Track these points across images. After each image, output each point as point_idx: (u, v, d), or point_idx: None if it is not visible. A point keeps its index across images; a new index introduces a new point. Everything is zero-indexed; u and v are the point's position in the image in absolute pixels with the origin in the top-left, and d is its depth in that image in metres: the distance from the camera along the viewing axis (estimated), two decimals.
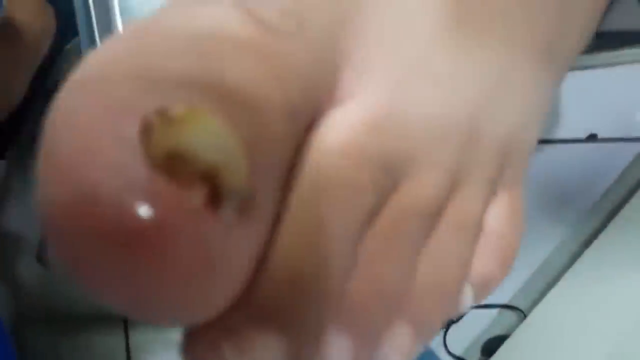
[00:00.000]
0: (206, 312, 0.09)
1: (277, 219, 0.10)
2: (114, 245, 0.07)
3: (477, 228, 0.13)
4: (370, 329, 0.11)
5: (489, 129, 0.13)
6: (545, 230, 0.66)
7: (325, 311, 0.10)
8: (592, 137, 0.63)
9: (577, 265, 0.62)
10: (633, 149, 0.66)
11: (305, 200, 0.10)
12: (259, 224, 0.09)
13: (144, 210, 0.07)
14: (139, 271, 0.07)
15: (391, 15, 0.12)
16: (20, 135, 0.45)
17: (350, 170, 0.11)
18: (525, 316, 0.65)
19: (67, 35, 0.42)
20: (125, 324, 0.55)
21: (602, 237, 0.62)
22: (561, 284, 0.63)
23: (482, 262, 0.14)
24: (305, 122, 0.11)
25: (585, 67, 0.39)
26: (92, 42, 0.31)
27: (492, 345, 0.66)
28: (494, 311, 0.68)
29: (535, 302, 0.64)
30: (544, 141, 0.60)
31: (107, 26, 0.31)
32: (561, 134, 0.62)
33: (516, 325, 0.65)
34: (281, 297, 0.10)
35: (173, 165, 0.07)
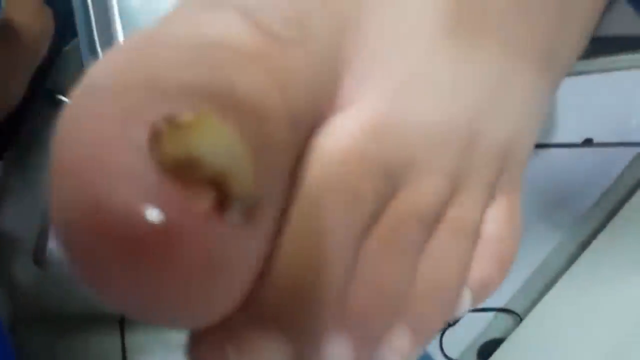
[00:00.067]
0: (213, 313, 0.09)
1: (280, 224, 0.10)
2: (126, 249, 0.07)
3: (476, 232, 0.13)
4: (370, 332, 0.11)
5: (488, 134, 0.13)
6: (542, 233, 0.67)
7: (327, 314, 0.11)
8: (588, 142, 0.63)
9: (574, 269, 0.63)
10: (629, 153, 0.66)
11: (306, 206, 0.10)
12: (263, 228, 0.09)
13: (155, 215, 0.07)
14: (151, 274, 0.07)
15: (391, 23, 0.12)
16: (18, 136, 0.45)
17: (351, 177, 0.11)
18: (521, 320, 0.65)
19: (66, 37, 0.42)
20: (121, 325, 0.55)
21: (598, 240, 0.62)
22: (557, 287, 0.63)
23: (481, 266, 0.14)
24: (308, 129, 0.11)
25: (582, 73, 0.39)
26: (91, 44, 0.31)
27: (488, 348, 0.66)
28: (490, 314, 0.68)
29: (531, 306, 0.64)
30: (540, 145, 0.60)
31: (106, 28, 0.31)
32: (557, 138, 0.62)
33: (512, 329, 0.65)
34: (283, 301, 0.10)
35: (182, 170, 0.07)
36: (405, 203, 0.12)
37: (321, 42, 0.11)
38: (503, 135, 0.14)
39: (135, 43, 0.09)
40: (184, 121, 0.08)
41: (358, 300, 0.11)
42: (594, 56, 0.38)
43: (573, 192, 0.66)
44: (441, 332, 0.62)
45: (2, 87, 0.37)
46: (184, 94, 0.08)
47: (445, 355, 0.64)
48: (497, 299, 0.67)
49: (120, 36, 0.31)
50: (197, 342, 0.10)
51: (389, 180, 0.12)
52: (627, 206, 0.63)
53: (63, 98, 0.42)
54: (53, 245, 0.52)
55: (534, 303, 0.64)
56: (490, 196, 0.14)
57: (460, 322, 0.62)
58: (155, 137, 0.07)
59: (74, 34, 0.33)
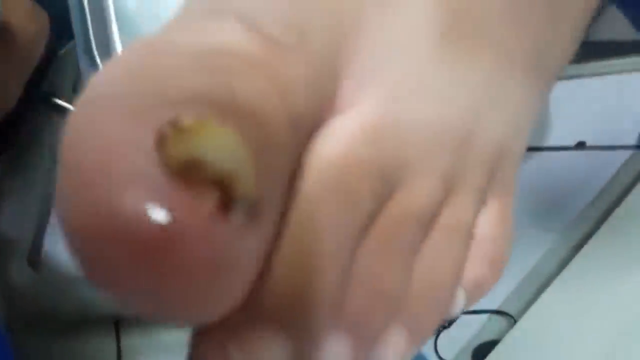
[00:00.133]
0: (217, 310, 0.09)
1: (280, 225, 0.10)
2: (136, 250, 0.07)
3: (469, 233, 0.14)
4: (368, 331, 0.12)
5: (481, 136, 0.14)
6: (535, 236, 0.67)
7: (324, 313, 0.11)
8: (580, 145, 0.64)
9: (567, 271, 0.63)
10: (621, 156, 0.67)
11: (305, 207, 0.10)
12: (265, 227, 0.09)
13: (163, 215, 0.07)
14: (161, 272, 0.08)
15: (388, 29, 0.12)
16: (14, 138, 0.45)
17: (349, 179, 0.11)
18: (515, 321, 0.65)
19: (62, 40, 0.42)
20: (117, 327, 0.54)
21: (591, 242, 0.63)
22: (551, 289, 0.63)
23: (474, 266, 0.14)
24: (307, 131, 0.11)
25: (575, 77, 0.40)
26: (87, 46, 0.31)
27: (482, 350, 0.66)
28: (485, 317, 0.68)
29: (525, 308, 0.64)
30: (533, 148, 0.61)
31: (102, 30, 0.31)
32: (550, 141, 0.62)
33: (506, 331, 0.65)
34: (281, 300, 0.10)
35: (187, 172, 0.08)
36: (401, 204, 0.12)
37: (320, 47, 0.11)
38: (496, 137, 0.14)
39: (138, 51, 0.09)
40: (187, 126, 0.08)
41: (355, 299, 0.11)
42: (586, 60, 0.39)
43: (566, 194, 0.67)
44: (436, 334, 0.62)
45: None
46: (186, 99, 0.08)
47: (440, 357, 0.64)
48: (491, 301, 0.68)
49: (116, 39, 0.31)
50: (199, 342, 0.10)
51: (386, 181, 0.12)
52: (620, 208, 0.63)
53: (59, 101, 0.42)
54: (48, 247, 0.52)
55: (528, 305, 0.64)
56: (483, 198, 0.14)
57: (455, 324, 0.63)
58: (161, 141, 0.08)
59: (70, 37, 0.33)
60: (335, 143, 0.11)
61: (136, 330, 0.55)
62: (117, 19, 0.31)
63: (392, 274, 0.12)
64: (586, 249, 0.63)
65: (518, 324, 0.65)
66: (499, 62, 0.14)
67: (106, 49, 0.31)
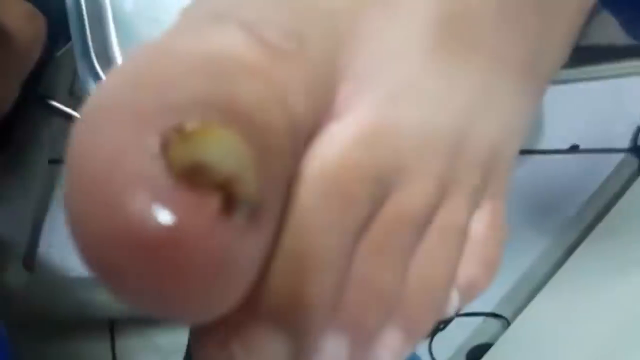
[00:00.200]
0: (218, 308, 0.09)
1: (280, 226, 0.10)
2: (142, 250, 0.08)
3: (463, 235, 0.14)
4: (364, 331, 0.12)
5: (475, 140, 0.14)
6: (529, 239, 0.67)
7: (322, 313, 0.11)
8: (574, 148, 0.64)
9: (560, 274, 0.63)
10: (614, 159, 0.67)
11: (304, 209, 0.11)
12: (265, 229, 0.10)
13: (169, 217, 0.08)
14: (166, 273, 0.08)
15: (384, 35, 0.13)
16: (10, 140, 0.45)
17: (346, 182, 0.11)
18: (509, 324, 0.66)
19: (58, 42, 0.42)
20: (112, 330, 0.54)
21: (584, 245, 0.63)
22: (544, 292, 0.63)
23: (467, 268, 0.14)
24: (306, 135, 0.11)
25: (568, 81, 0.40)
26: (84, 49, 0.31)
27: (476, 352, 0.67)
28: (479, 319, 0.68)
29: (519, 310, 0.65)
30: (527, 152, 0.61)
31: (100, 32, 0.31)
32: (544, 144, 0.63)
33: (500, 333, 0.65)
34: (280, 300, 0.10)
35: (191, 175, 0.08)
36: (397, 207, 0.12)
37: (319, 53, 0.11)
38: (490, 141, 0.14)
39: (141, 57, 0.10)
40: (191, 130, 0.08)
41: (352, 299, 0.12)
42: (579, 65, 0.39)
43: (559, 197, 0.67)
44: (430, 337, 0.63)
45: None
46: (189, 105, 0.09)
47: None
48: (486, 304, 0.68)
49: (114, 41, 0.31)
50: (201, 342, 0.10)
51: (382, 184, 0.12)
52: (613, 211, 0.64)
53: (55, 103, 0.42)
54: (44, 249, 0.52)
55: (522, 307, 0.64)
56: (476, 200, 0.14)
57: (449, 326, 0.63)
58: (166, 146, 0.08)
59: (67, 39, 0.33)
60: (332, 147, 0.11)
61: (131, 333, 0.55)
62: (115, 22, 0.31)
63: (387, 274, 0.12)
64: (579, 251, 0.63)
65: (512, 327, 0.65)
66: (493, 66, 0.14)
67: (103, 51, 0.31)
